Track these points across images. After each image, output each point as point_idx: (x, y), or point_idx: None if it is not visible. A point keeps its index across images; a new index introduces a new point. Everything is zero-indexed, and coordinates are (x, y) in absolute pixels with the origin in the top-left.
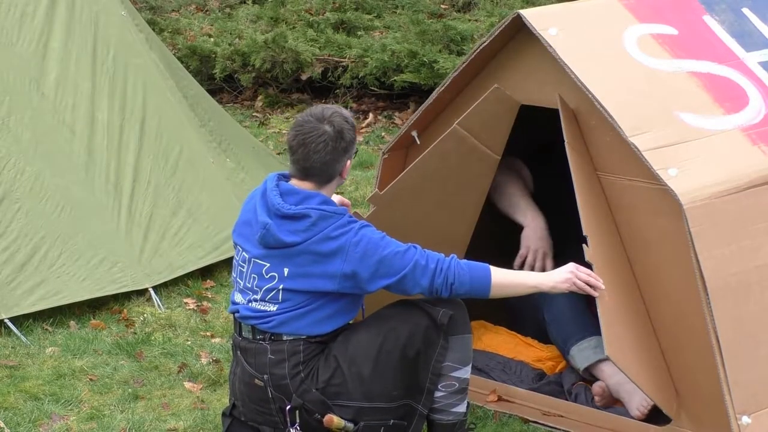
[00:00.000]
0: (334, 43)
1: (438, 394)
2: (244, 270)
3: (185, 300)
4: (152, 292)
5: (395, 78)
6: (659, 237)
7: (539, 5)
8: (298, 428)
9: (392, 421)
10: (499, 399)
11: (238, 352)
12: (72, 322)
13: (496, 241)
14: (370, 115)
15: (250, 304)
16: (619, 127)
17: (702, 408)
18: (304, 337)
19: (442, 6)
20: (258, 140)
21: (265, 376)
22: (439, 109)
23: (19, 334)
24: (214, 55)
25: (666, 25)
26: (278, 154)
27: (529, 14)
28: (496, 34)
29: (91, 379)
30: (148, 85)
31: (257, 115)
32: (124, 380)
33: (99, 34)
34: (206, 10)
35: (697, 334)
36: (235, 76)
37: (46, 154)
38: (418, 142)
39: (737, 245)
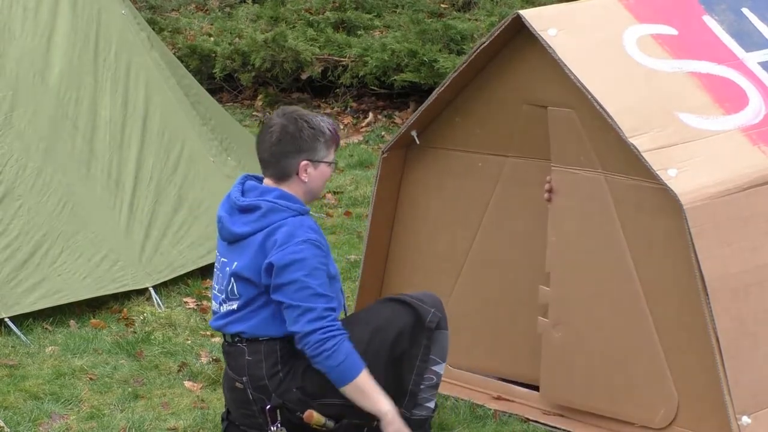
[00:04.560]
0: (334, 43)
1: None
2: (218, 272)
3: (185, 299)
4: (152, 291)
5: (395, 77)
6: (661, 236)
7: (539, 5)
8: (279, 425)
9: (376, 423)
10: (499, 398)
11: (224, 358)
12: (72, 321)
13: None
14: (370, 114)
15: (220, 307)
16: (619, 127)
17: (702, 408)
18: (279, 337)
19: (442, 5)
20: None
21: (245, 378)
22: (439, 109)
23: (19, 333)
24: (214, 55)
25: (666, 26)
26: None
27: (529, 14)
28: (495, 34)
29: (91, 379)
30: (150, 83)
31: (257, 114)
32: (124, 379)
33: (101, 31)
34: (206, 10)
35: (697, 334)
36: (235, 75)
37: (48, 149)
38: (418, 142)
39: (737, 245)
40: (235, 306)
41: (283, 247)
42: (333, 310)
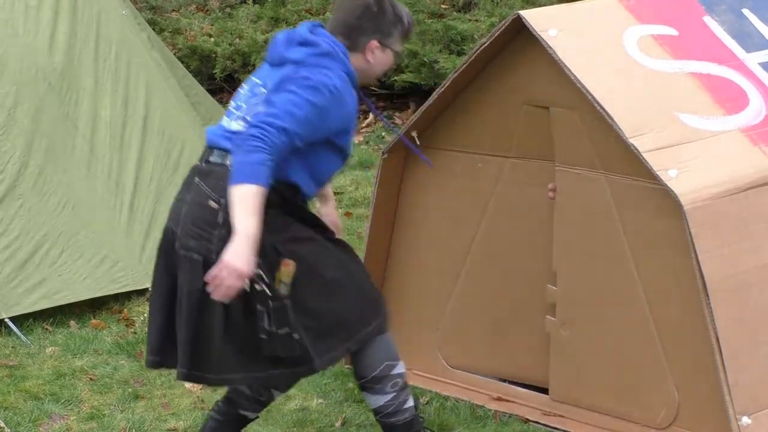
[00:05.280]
0: None
1: (387, 397)
2: (241, 90)
3: None
4: None
5: (395, 78)
6: (661, 237)
7: (539, 5)
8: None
9: (297, 335)
10: (499, 399)
11: (195, 178)
12: (72, 321)
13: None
14: (371, 115)
15: (228, 123)
16: (619, 128)
17: (702, 408)
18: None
19: (442, 6)
20: None
21: (222, 200)
22: (439, 110)
23: (19, 333)
24: (214, 55)
25: (666, 26)
26: None
27: (529, 15)
28: (496, 34)
29: (91, 379)
30: (150, 83)
31: None
32: (125, 380)
33: (101, 31)
34: (206, 10)
35: (697, 335)
36: (236, 75)
37: (50, 148)
38: (418, 143)
39: (737, 246)
40: (241, 127)
41: (317, 74)
42: (289, 137)
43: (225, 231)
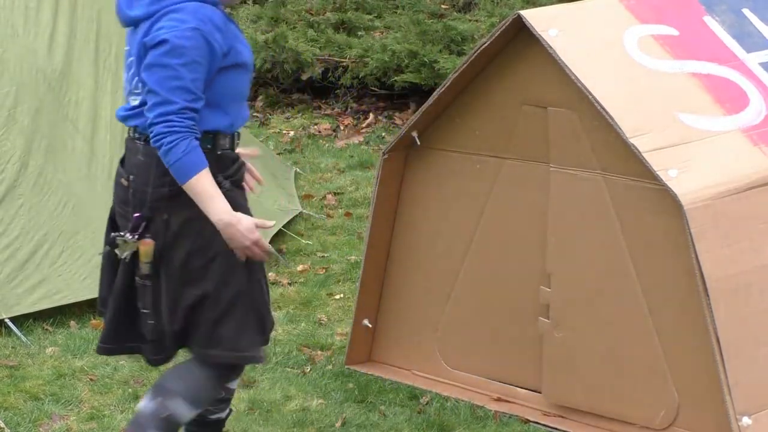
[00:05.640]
0: (335, 44)
1: (149, 405)
2: (125, 62)
3: None
4: None
5: (396, 78)
6: (661, 237)
7: (540, 5)
8: (136, 237)
9: (151, 321)
10: (499, 399)
11: (125, 151)
12: (72, 321)
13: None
14: (371, 115)
15: (128, 99)
16: (620, 128)
17: (702, 409)
18: None
19: (442, 6)
20: (258, 140)
21: (132, 177)
22: (439, 110)
23: (19, 333)
24: None
25: (667, 26)
26: (278, 154)
27: (530, 15)
28: (496, 35)
29: (91, 379)
30: None
31: (257, 115)
32: (125, 380)
33: (101, 31)
34: None
35: (697, 335)
36: None
37: (50, 148)
38: (419, 143)
39: (737, 246)
40: (137, 101)
41: (166, 29)
42: (194, 110)
43: (133, 209)
